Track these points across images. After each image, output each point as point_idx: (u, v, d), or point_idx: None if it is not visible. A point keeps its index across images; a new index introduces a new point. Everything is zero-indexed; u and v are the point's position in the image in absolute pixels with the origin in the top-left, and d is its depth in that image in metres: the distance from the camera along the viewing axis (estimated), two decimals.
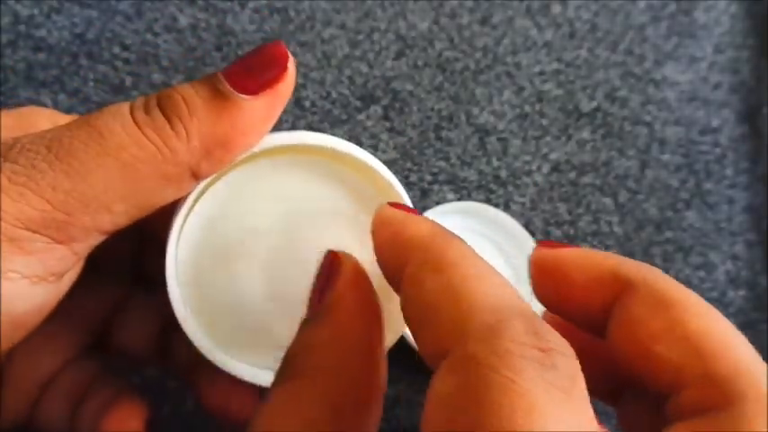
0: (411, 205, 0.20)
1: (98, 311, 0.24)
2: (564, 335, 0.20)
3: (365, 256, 0.18)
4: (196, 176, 0.18)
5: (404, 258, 0.16)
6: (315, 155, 0.20)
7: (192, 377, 0.24)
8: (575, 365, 0.13)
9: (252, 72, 0.18)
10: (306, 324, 0.17)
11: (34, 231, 0.17)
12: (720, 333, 0.16)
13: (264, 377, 0.20)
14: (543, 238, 0.37)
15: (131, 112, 0.18)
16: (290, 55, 0.18)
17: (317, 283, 0.18)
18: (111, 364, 0.24)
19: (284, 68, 0.18)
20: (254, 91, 0.18)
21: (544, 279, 0.18)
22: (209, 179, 0.19)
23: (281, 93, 0.18)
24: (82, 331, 0.23)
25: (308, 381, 0.16)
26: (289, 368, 0.16)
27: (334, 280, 0.17)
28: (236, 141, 0.18)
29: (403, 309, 0.16)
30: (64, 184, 0.17)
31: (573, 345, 0.20)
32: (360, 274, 0.18)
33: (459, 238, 0.17)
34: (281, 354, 0.17)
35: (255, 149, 0.19)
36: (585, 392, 0.13)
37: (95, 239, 0.18)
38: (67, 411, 0.22)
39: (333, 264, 0.18)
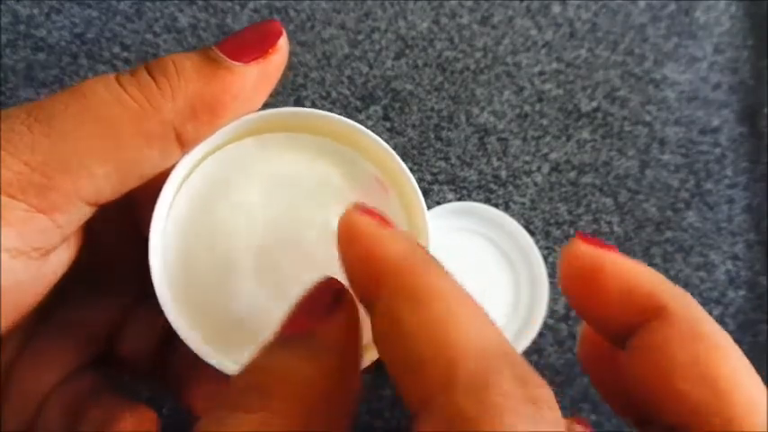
0: (408, 172, 0.20)
1: (103, 323, 0.23)
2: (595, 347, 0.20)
3: None
4: (181, 141, 0.18)
5: (376, 281, 0.15)
6: (308, 132, 0.20)
7: (185, 387, 0.23)
8: (558, 415, 0.13)
9: (245, 45, 0.18)
10: (283, 346, 0.16)
11: (11, 196, 0.16)
12: (744, 381, 0.15)
13: None
14: (543, 238, 0.37)
15: (117, 77, 0.18)
16: (283, 31, 0.19)
17: (308, 300, 0.17)
18: (111, 374, 0.24)
19: (275, 43, 0.19)
20: (246, 61, 0.18)
21: (576, 277, 0.17)
22: (196, 158, 0.19)
23: (273, 62, 0.19)
24: (87, 343, 0.23)
25: (281, 417, 0.14)
26: (264, 395, 0.14)
27: (331, 309, 0.16)
28: (225, 105, 0.18)
29: (376, 340, 0.15)
30: (43, 144, 0.16)
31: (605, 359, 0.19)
32: (357, 317, 0.16)
33: (437, 260, 0.15)
34: None
35: (243, 124, 0.19)
36: None
37: (79, 210, 0.18)
38: (68, 422, 0.22)
39: (336, 294, 0.16)
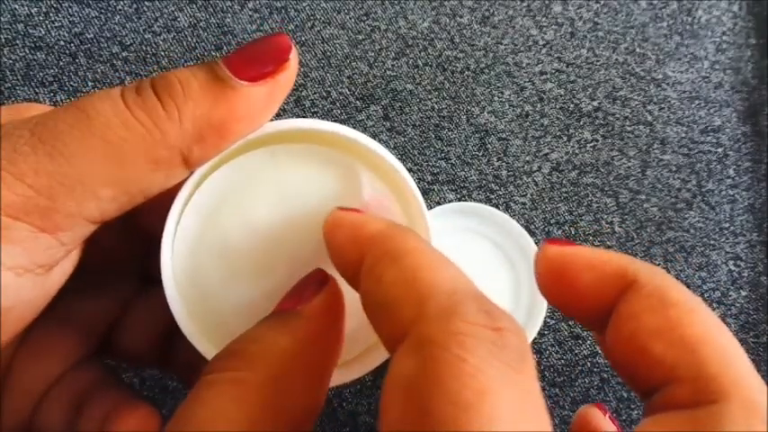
0: (416, 190, 0.20)
1: (103, 316, 0.23)
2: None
3: None
4: (187, 163, 0.18)
5: (359, 254, 0.17)
6: (314, 142, 0.20)
7: (194, 379, 0.23)
8: (525, 344, 0.14)
9: (253, 60, 0.18)
10: (270, 320, 0.17)
11: (16, 218, 0.16)
12: (717, 338, 0.16)
13: None
14: (543, 238, 0.37)
15: (122, 94, 0.17)
16: (293, 47, 0.18)
17: (297, 287, 0.19)
18: (112, 365, 0.24)
19: (286, 60, 0.18)
20: (253, 78, 0.18)
21: (550, 276, 0.18)
22: (205, 170, 0.19)
23: (281, 82, 0.18)
24: (87, 336, 0.23)
25: (255, 381, 0.16)
26: (240, 358, 0.16)
27: (315, 293, 0.18)
28: (232, 128, 0.18)
29: (363, 302, 0.16)
30: (47, 167, 0.16)
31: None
32: (339, 301, 0.18)
33: (414, 231, 0.17)
34: None
35: (252, 137, 0.19)
36: (534, 370, 0.14)
37: (83, 229, 0.18)
38: (69, 416, 0.22)
39: (320, 279, 0.18)
